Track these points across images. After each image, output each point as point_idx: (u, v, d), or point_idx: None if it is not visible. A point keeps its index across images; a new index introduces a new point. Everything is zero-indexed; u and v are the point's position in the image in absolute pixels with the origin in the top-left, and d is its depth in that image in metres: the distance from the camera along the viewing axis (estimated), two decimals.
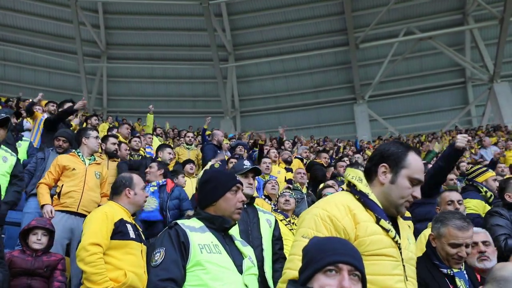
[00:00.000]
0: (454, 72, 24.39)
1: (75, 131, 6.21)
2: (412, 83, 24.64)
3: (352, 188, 1.88)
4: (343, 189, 2.03)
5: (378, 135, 22.29)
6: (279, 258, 3.08)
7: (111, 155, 5.97)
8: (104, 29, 24.76)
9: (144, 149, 8.06)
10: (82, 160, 4.49)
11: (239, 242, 2.24)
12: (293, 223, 4.75)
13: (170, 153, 6.81)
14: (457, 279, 2.33)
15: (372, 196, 1.82)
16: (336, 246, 1.38)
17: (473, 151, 13.25)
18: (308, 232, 1.73)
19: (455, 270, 2.38)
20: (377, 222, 1.77)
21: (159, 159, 6.57)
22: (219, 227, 2.17)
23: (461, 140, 3.58)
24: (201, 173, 3.90)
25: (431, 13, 22.90)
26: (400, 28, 22.79)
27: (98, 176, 4.49)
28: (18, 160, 4.41)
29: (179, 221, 2.12)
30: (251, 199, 3.23)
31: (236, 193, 2.26)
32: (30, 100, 8.90)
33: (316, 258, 1.36)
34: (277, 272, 3.00)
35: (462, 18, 22.79)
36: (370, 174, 1.91)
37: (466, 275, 2.41)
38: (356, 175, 1.90)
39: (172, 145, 9.23)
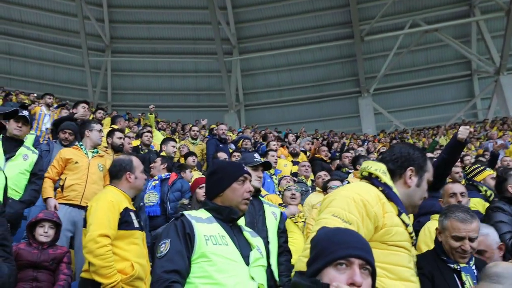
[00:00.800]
0: (460, 64, 24.18)
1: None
2: (418, 76, 24.46)
3: (374, 180, 1.92)
4: (348, 182, 2.07)
5: (382, 129, 22.22)
6: (283, 251, 3.08)
7: (117, 150, 5.99)
8: (109, 23, 24.77)
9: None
10: (85, 153, 4.48)
11: (247, 233, 2.23)
12: (299, 217, 4.77)
13: (173, 147, 6.84)
14: (463, 274, 2.26)
15: (396, 190, 1.89)
16: (347, 239, 1.36)
17: (478, 143, 13.19)
18: (340, 212, 1.72)
19: (462, 265, 2.31)
20: (398, 215, 1.82)
21: (163, 153, 6.61)
22: (226, 217, 2.16)
23: (463, 131, 3.56)
24: None
25: (437, 5, 22.68)
26: (406, 20, 22.59)
27: (101, 169, 4.47)
28: (39, 157, 4.25)
29: (185, 212, 2.11)
30: (256, 191, 3.23)
31: (243, 183, 2.24)
32: (35, 94, 8.93)
33: (327, 250, 1.33)
34: (281, 265, 3.00)
35: (468, 10, 22.54)
36: (393, 175, 1.98)
37: (475, 270, 2.32)
38: (379, 168, 1.95)
39: (176, 140, 9.25)
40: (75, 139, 5.17)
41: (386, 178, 1.90)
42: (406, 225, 1.82)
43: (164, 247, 1.94)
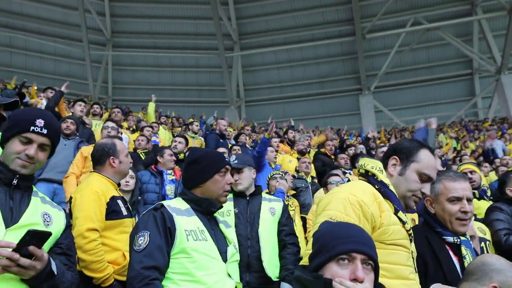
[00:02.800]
0: (461, 63, 24.16)
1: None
2: (419, 74, 24.44)
3: (370, 178, 1.89)
4: (349, 180, 2.04)
5: (382, 126, 22.21)
6: (286, 244, 3.08)
7: None
8: (110, 17, 24.70)
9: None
10: None
11: (222, 225, 2.17)
12: (288, 205, 4.77)
13: (175, 141, 6.85)
14: (463, 248, 2.05)
15: (392, 188, 1.86)
16: (350, 233, 1.34)
17: (477, 143, 13.20)
18: (337, 214, 1.71)
19: (462, 238, 2.09)
20: (395, 213, 1.80)
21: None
22: (205, 210, 2.08)
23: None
24: None
25: (439, 3, 22.63)
26: (408, 18, 22.54)
27: None
28: None
29: (165, 203, 2.02)
30: (256, 188, 3.25)
31: (224, 174, 2.16)
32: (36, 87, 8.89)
33: (329, 245, 1.32)
34: (283, 259, 3.03)
35: (470, 9, 22.50)
36: (385, 168, 1.95)
37: (473, 245, 2.15)
38: (376, 165, 1.91)
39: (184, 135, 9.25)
40: (77, 130, 5.23)
41: (382, 176, 1.87)
42: (404, 223, 1.80)
43: (143, 240, 1.84)
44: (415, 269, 1.82)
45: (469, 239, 2.15)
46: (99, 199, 2.69)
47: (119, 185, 3.00)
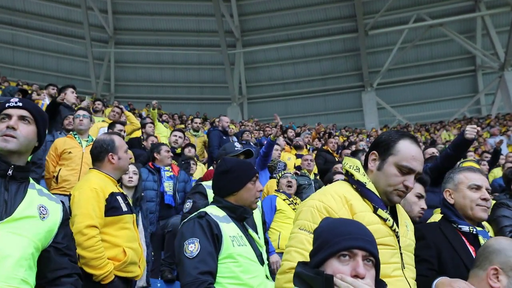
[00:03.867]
0: (464, 60, 24.06)
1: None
2: (421, 70, 24.36)
3: (350, 178, 1.86)
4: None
5: (385, 123, 22.18)
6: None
7: None
8: (112, 14, 24.71)
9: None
10: (79, 143, 4.49)
11: (251, 231, 2.27)
12: (295, 203, 4.79)
13: (175, 136, 6.89)
14: (481, 238, 2.06)
15: (370, 185, 1.80)
16: (351, 230, 1.34)
17: (481, 140, 13.15)
18: (305, 224, 1.72)
19: (478, 229, 2.09)
20: (375, 211, 1.75)
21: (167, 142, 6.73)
22: (239, 216, 2.20)
23: (470, 131, 3.57)
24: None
25: None
26: (410, 14, 22.45)
27: None
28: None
29: (207, 210, 2.13)
30: None
31: (255, 182, 2.29)
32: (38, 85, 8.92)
33: (330, 241, 1.32)
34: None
35: (473, 5, 22.38)
36: (366, 163, 1.90)
37: (490, 236, 2.13)
38: (353, 164, 1.86)
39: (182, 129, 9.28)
40: None
41: (358, 175, 1.81)
42: (385, 220, 1.75)
43: (194, 247, 1.95)
44: (403, 265, 1.77)
45: (487, 230, 2.16)
46: (98, 195, 2.68)
47: (119, 181, 3.00)
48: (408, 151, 1.80)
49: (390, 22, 22.93)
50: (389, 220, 1.76)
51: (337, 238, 1.31)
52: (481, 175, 2.24)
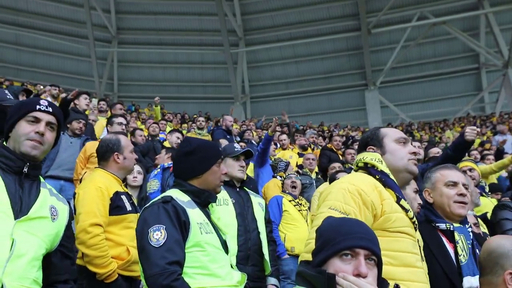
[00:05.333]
0: (467, 57, 23.94)
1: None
2: (425, 69, 24.26)
3: (370, 169, 1.93)
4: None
5: (388, 122, 22.11)
6: (269, 241, 3.09)
7: None
8: (115, 14, 24.74)
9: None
10: None
11: (213, 217, 2.15)
12: (301, 204, 4.79)
13: (178, 138, 6.90)
14: (456, 234, 2.08)
15: (392, 176, 1.90)
16: (353, 229, 1.35)
17: (485, 138, 13.11)
18: (336, 204, 1.74)
19: (455, 225, 2.12)
20: (397, 201, 1.83)
21: (166, 142, 6.74)
22: (203, 201, 2.07)
23: (470, 133, 3.58)
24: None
25: None
26: (413, 12, 22.34)
27: None
28: None
29: (172, 195, 1.98)
30: (242, 182, 3.18)
31: (219, 165, 2.16)
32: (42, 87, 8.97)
33: (333, 240, 1.32)
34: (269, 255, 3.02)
35: (477, 2, 22.24)
36: None
37: (470, 232, 2.17)
38: (374, 157, 1.95)
39: (181, 131, 9.32)
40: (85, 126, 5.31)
41: (382, 166, 1.91)
42: (406, 211, 1.83)
43: (160, 235, 1.80)
44: (422, 257, 1.83)
45: (467, 227, 2.17)
46: (102, 194, 2.69)
47: (124, 180, 2.99)
48: (393, 130, 2.07)
49: (393, 20, 22.84)
50: (410, 211, 1.85)
51: (340, 237, 1.32)
52: (457, 171, 2.27)
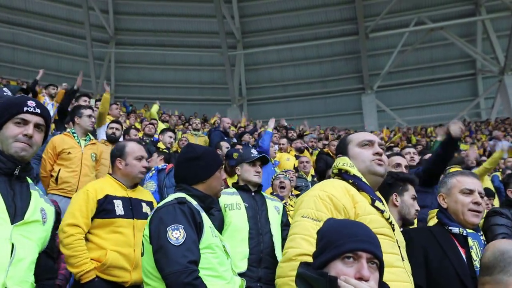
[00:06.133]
0: (464, 63, 24.10)
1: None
2: (422, 74, 24.39)
3: (343, 175, 1.97)
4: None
5: (385, 126, 22.16)
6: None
7: (111, 140, 5.69)
8: (113, 14, 24.71)
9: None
10: (78, 142, 4.37)
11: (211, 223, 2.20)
12: (290, 205, 4.76)
13: (171, 137, 6.89)
14: (470, 239, 2.06)
15: (365, 180, 1.92)
16: (356, 231, 1.34)
17: (480, 143, 13.17)
18: (308, 212, 1.77)
19: (469, 231, 2.10)
20: (372, 203, 1.85)
21: (160, 143, 6.72)
22: (206, 206, 2.12)
23: (454, 129, 3.63)
24: None
25: (443, 3, 22.57)
26: (411, 18, 22.49)
27: (94, 159, 4.41)
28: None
29: (187, 198, 2.03)
30: (258, 187, 3.24)
31: (220, 171, 2.24)
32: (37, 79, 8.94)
33: (335, 243, 1.31)
34: None
35: (474, 9, 22.43)
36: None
37: (483, 239, 2.15)
38: (347, 162, 1.99)
39: (175, 131, 9.30)
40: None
41: (354, 170, 1.94)
42: (382, 212, 1.85)
43: (179, 234, 1.83)
44: (403, 257, 1.84)
45: (480, 234, 2.18)
46: (88, 197, 2.73)
47: (134, 186, 2.94)
48: (360, 135, 2.10)
49: (391, 25, 22.97)
50: (386, 212, 1.87)
51: (342, 240, 1.31)
52: (475, 178, 2.23)
